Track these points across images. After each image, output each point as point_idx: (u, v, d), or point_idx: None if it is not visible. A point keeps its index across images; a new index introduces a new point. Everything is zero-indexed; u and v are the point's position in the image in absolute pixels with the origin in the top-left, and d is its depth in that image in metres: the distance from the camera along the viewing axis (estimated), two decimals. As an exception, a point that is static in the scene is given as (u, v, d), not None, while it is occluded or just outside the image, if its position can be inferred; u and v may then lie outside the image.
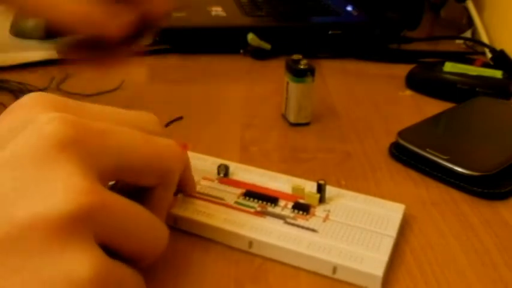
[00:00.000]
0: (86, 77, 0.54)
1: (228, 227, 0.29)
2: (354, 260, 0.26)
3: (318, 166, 0.38)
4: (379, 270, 0.26)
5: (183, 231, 0.30)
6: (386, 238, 0.28)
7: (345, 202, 0.31)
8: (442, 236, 0.30)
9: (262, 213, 0.30)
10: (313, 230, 0.28)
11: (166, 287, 0.26)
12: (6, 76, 0.50)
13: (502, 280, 0.27)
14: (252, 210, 0.30)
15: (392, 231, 0.29)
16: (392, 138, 0.40)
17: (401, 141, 0.38)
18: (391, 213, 0.30)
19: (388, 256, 0.27)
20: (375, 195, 0.32)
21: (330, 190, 0.31)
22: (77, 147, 0.20)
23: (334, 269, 0.26)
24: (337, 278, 0.27)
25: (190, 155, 0.34)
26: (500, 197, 0.34)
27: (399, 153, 0.38)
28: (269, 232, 0.28)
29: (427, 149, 0.37)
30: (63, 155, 0.20)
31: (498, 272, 0.28)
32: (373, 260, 0.26)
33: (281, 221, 0.29)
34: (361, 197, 0.31)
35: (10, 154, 0.20)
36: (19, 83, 0.49)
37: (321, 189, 0.31)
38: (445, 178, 0.35)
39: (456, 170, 0.35)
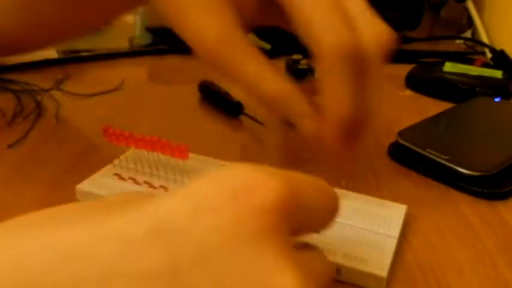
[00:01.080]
0: (86, 78, 0.54)
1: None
2: (359, 262, 0.26)
3: (318, 166, 0.38)
4: (383, 271, 0.26)
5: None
6: (389, 239, 0.28)
7: (347, 203, 0.31)
8: (442, 236, 0.31)
9: (264, 214, 0.30)
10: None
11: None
12: (9, 76, 0.50)
13: (502, 280, 0.27)
14: (253, 210, 0.30)
15: (395, 232, 0.29)
16: (392, 138, 0.40)
17: (401, 141, 0.38)
18: (394, 213, 0.30)
19: (392, 257, 0.27)
20: (374, 195, 0.32)
21: (331, 191, 0.31)
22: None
23: (338, 270, 0.26)
24: (341, 279, 0.27)
25: (191, 156, 0.34)
26: (500, 197, 0.34)
27: (399, 153, 0.38)
28: (271, 233, 0.28)
29: (427, 149, 0.37)
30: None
31: (498, 272, 0.28)
32: (377, 261, 0.26)
33: (282, 222, 0.29)
34: (363, 197, 0.32)
35: None
36: (25, 83, 0.49)
37: (322, 189, 0.31)
38: (445, 178, 0.35)
39: (456, 170, 0.35)
